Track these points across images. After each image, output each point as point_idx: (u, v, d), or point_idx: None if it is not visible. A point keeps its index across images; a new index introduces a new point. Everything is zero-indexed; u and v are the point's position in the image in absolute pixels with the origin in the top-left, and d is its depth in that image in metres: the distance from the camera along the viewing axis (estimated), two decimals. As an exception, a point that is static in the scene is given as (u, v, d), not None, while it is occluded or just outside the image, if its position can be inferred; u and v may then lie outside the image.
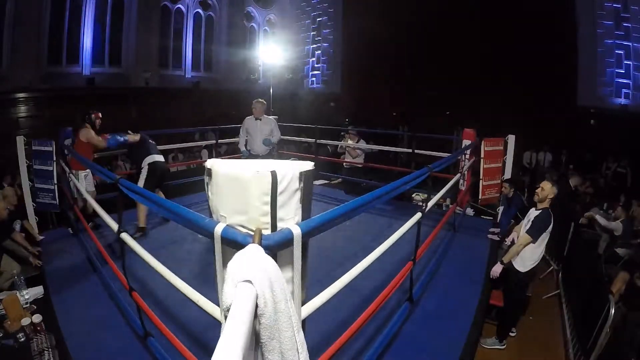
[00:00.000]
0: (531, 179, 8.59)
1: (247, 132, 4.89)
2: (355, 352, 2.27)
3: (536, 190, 3.19)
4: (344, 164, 5.97)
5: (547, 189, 3.08)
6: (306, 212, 1.11)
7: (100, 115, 4.22)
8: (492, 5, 9.90)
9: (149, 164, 4.14)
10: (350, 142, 5.82)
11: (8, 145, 4.48)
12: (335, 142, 6.39)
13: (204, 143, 7.91)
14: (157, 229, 4.27)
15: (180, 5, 11.46)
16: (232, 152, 8.99)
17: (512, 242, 3.35)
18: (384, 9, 11.74)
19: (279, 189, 0.98)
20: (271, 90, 7.62)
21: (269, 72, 9.26)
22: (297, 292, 1.08)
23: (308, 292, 1.24)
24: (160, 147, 6.11)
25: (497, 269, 3.15)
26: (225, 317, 0.67)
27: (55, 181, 4.32)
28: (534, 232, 3.01)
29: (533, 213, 3.14)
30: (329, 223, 1.25)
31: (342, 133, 6.24)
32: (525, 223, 3.19)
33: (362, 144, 5.78)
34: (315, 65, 14.39)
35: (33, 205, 4.37)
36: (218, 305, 1.22)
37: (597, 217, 5.52)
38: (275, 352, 0.79)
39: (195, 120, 9.13)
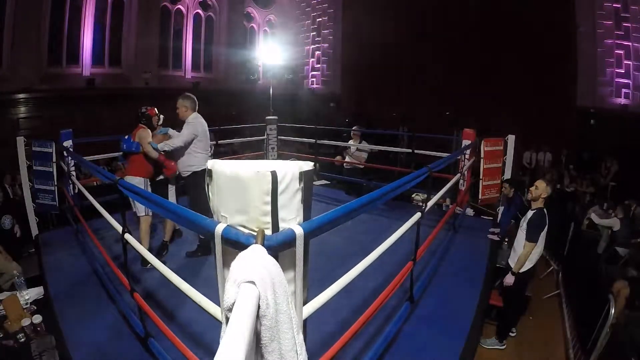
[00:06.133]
0: (531, 179, 8.59)
1: None
2: (355, 352, 2.27)
3: (530, 189, 3.21)
4: (344, 164, 5.98)
5: (540, 188, 3.10)
6: (307, 213, 1.11)
7: (154, 112, 3.59)
8: (492, 5, 9.90)
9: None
10: (352, 142, 5.82)
11: (8, 145, 4.49)
12: (336, 143, 6.39)
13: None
14: (156, 229, 4.26)
15: (180, 6, 11.47)
16: (233, 152, 9.01)
17: (507, 241, 3.34)
18: (384, 9, 11.75)
19: (280, 189, 0.98)
20: (271, 91, 7.61)
21: (269, 73, 9.23)
22: (298, 293, 1.08)
23: (308, 292, 1.24)
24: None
25: (509, 280, 3.15)
26: (227, 318, 0.67)
27: (55, 182, 4.33)
28: (533, 236, 3.03)
29: (529, 214, 3.15)
30: (331, 223, 1.26)
31: (345, 134, 6.22)
32: (521, 224, 3.20)
33: (364, 145, 5.78)
34: (315, 66, 14.40)
35: (33, 206, 4.38)
36: (219, 306, 1.23)
37: (592, 215, 5.54)
38: (275, 353, 0.79)
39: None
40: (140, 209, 3.38)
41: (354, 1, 13.07)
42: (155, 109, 3.63)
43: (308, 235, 1.06)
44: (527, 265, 3.12)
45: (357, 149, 5.74)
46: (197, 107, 3.59)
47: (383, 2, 11.80)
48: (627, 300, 3.46)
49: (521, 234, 3.14)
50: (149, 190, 3.40)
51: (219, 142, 6.08)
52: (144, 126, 3.50)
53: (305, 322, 1.26)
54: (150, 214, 3.44)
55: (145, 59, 10.50)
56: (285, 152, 6.83)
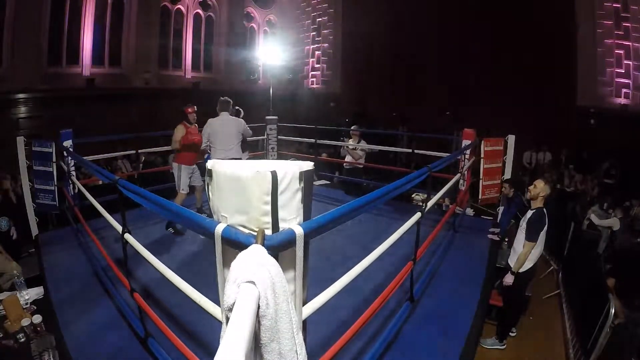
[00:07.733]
0: (531, 179, 8.58)
1: None
2: (355, 352, 2.27)
3: (529, 187, 3.22)
4: (344, 164, 5.97)
5: (539, 187, 3.11)
6: (307, 212, 1.11)
7: (191, 109, 4.32)
8: (491, 6, 9.90)
9: None
10: (351, 141, 5.81)
11: (8, 145, 4.48)
12: (336, 143, 6.39)
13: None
14: (156, 229, 4.26)
15: (180, 6, 11.46)
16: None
17: (507, 241, 3.34)
18: (384, 9, 11.74)
19: (280, 189, 0.98)
20: (271, 91, 7.61)
21: (269, 73, 9.24)
22: (298, 293, 1.08)
23: (308, 292, 1.24)
24: (160, 148, 6.11)
25: (509, 279, 3.15)
26: (227, 318, 0.67)
27: (55, 182, 4.33)
28: (533, 236, 3.03)
29: (528, 214, 3.15)
30: (331, 223, 1.26)
31: (342, 137, 6.21)
32: (521, 224, 3.20)
33: (364, 144, 5.78)
34: (315, 66, 14.38)
35: (33, 206, 4.37)
36: (219, 306, 1.23)
37: (592, 215, 5.54)
38: (275, 353, 0.78)
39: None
40: (177, 184, 4.21)
41: (354, 1, 13.06)
42: (195, 107, 4.35)
43: (308, 235, 1.06)
44: (527, 265, 3.12)
45: (354, 149, 5.74)
46: (226, 108, 4.22)
47: (383, 3, 11.80)
48: (616, 291, 3.44)
49: (521, 233, 3.14)
50: (184, 173, 4.17)
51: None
52: (183, 122, 4.23)
53: (305, 322, 1.26)
54: (186, 191, 4.23)
55: (145, 59, 10.48)
56: (285, 152, 6.82)
